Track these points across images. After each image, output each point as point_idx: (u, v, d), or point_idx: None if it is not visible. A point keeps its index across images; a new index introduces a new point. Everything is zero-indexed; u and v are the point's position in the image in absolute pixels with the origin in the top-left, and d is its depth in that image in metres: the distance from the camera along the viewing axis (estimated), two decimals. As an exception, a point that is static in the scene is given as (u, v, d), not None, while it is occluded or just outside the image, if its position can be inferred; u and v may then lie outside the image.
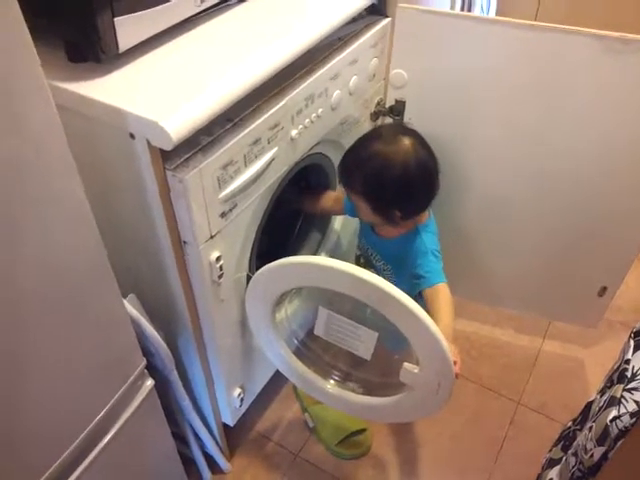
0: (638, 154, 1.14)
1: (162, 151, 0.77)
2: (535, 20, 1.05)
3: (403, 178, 1.03)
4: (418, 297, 1.06)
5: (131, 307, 0.89)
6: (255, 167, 0.91)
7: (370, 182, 1.05)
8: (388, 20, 1.13)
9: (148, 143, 0.75)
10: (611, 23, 1.04)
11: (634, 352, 0.95)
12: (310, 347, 1.22)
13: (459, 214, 1.37)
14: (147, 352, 0.95)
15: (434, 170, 1.07)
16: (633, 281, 1.69)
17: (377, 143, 1.05)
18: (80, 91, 0.78)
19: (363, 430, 1.37)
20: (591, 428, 0.93)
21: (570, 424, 1.15)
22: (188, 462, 1.23)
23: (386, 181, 1.03)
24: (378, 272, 1.22)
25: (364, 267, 1.25)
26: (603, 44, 1.02)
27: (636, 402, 0.85)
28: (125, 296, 0.88)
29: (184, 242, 0.87)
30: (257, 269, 1.01)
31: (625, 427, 0.82)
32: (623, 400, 0.87)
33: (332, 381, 1.16)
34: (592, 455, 0.89)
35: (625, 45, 1.01)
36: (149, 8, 0.81)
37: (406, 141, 1.04)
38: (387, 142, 1.05)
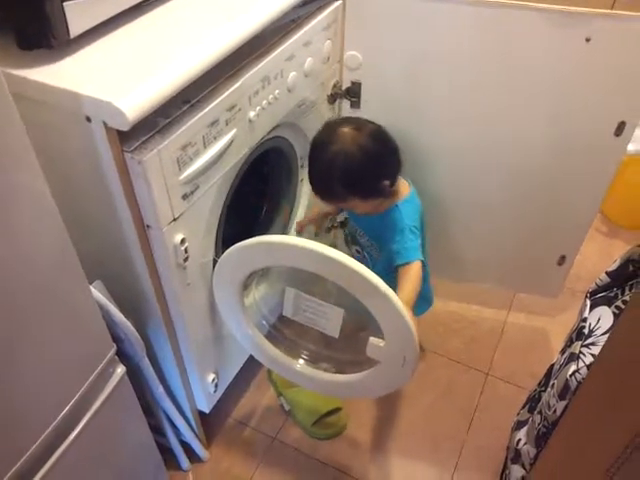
0: (584, 123, 1.18)
1: (120, 134, 0.78)
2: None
3: (367, 154, 1.07)
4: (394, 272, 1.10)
5: (98, 293, 0.89)
6: (215, 148, 0.92)
7: (347, 179, 1.08)
8: (340, 2, 1.15)
9: (105, 125, 0.76)
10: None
11: (590, 310, 0.99)
12: (281, 330, 1.23)
13: (421, 192, 1.40)
14: (117, 338, 0.95)
15: (380, 128, 1.12)
16: (591, 251, 1.75)
17: (325, 148, 1.08)
18: (33, 77, 0.78)
19: (338, 410, 1.39)
20: (553, 385, 0.96)
21: (536, 387, 1.19)
22: (166, 452, 1.24)
23: (358, 168, 1.07)
24: (362, 248, 1.27)
25: (351, 244, 1.32)
26: (545, 17, 1.05)
27: (593, 356, 0.89)
28: (92, 282, 0.89)
29: (147, 226, 0.88)
30: (223, 254, 1.02)
31: (583, 379, 0.86)
32: (581, 355, 0.91)
33: (303, 361, 1.17)
34: (555, 410, 0.93)
35: (567, 17, 1.05)
36: (99, -7, 0.81)
37: (344, 129, 1.09)
38: (332, 141, 1.08)
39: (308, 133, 1.24)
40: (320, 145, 1.10)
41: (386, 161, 1.12)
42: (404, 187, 1.18)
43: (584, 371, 0.86)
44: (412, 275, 1.08)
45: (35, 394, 0.79)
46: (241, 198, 1.13)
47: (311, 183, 1.14)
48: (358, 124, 1.10)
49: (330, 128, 1.11)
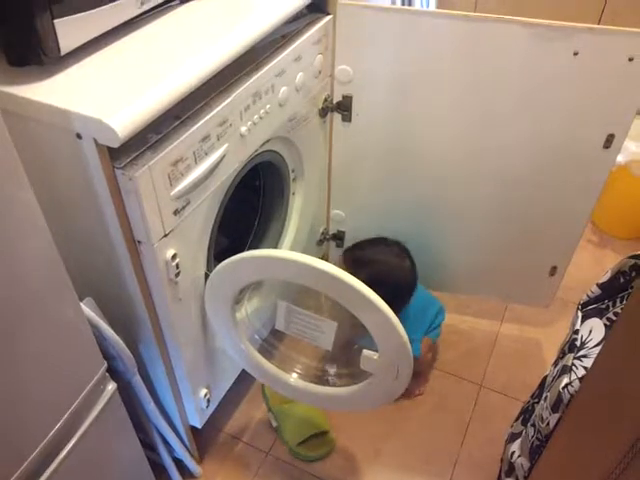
0: (573, 135, 1.19)
1: (111, 150, 0.78)
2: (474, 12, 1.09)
3: (395, 288, 1.31)
4: None
5: (89, 310, 0.89)
6: (206, 164, 0.92)
7: (371, 279, 1.18)
8: (330, 17, 1.16)
9: (95, 142, 0.75)
10: (551, 14, 1.10)
11: (582, 322, 1.00)
12: (274, 344, 1.23)
13: (410, 204, 1.41)
14: (108, 355, 0.94)
15: (413, 291, 1.38)
16: (584, 262, 1.76)
17: (386, 252, 1.36)
18: (24, 94, 0.78)
19: (324, 433, 1.37)
20: (546, 398, 0.96)
21: (529, 399, 1.19)
22: (158, 468, 1.22)
23: (382, 284, 1.17)
24: None
25: None
26: (532, 32, 1.07)
27: (585, 368, 0.89)
28: (82, 299, 0.88)
29: (138, 241, 0.88)
30: (216, 268, 1.02)
31: (576, 392, 0.86)
32: (574, 367, 0.91)
33: (296, 375, 1.17)
34: (548, 423, 0.93)
35: (553, 32, 1.07)
36: (89, 10, 0.81)
37: (407, 263, 1.36)
38: (394, 255, 1.36)
39: (300, 146, 1.25)
40: (388, 248, 1.37)
41: (403, 296, 1.36)
42: None
43: (576, 384, 0.86)
44: None
45: (24, 413, 0.78)
46: (233, 211, 1.13)
47: (355, 251, 1.39)
48: (413, 267, 1.37)
49: (400, 249, 1.37)
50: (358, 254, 1.38)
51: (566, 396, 0.87)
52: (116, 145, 0.74)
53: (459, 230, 1.44)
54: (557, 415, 0.89)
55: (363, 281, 1.25)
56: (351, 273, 1.27)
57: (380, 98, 1.25)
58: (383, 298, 1.22)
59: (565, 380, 0.89)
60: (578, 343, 0.96)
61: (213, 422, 1.35)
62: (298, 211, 1.37)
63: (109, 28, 0.87)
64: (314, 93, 1.21)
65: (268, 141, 1.12)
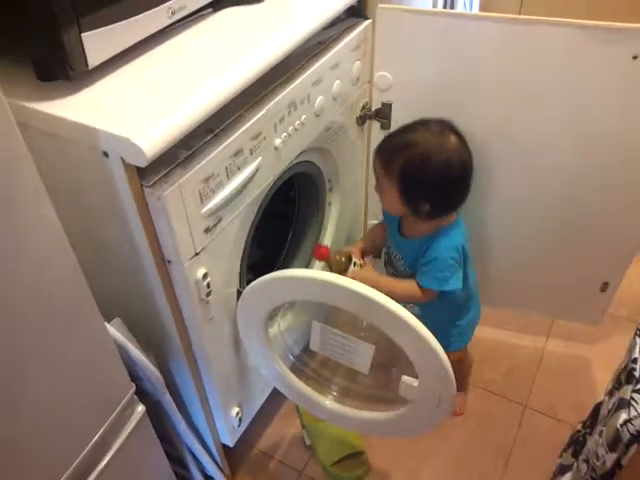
0: (629, 146, 1.12)
1: (139, 168, 0.74)
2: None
3: (444, 174, 1.02)
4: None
5: (116, 331, 0.86)
6: (238, 179, 0.88)
7: (410, 169, 1.02)
8: (369, 22, 1.10)
9: (122, 161, 0.72)
10: (594, 17, 1.02)
11: (641, 350, 0.92)
12: (307, 363, 1.18)
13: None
14: (136, 377, 0.91)
15: (471, 173, 1.07)
16: (635, 275, 1.65)
17: (424, 132, 1.04)
18: (51, 110, 0.75)
19: (360, 453, 1.32)
20: (601, 433, 0.89)
21: (580, 427, 1.11)
22: (189, 486, 1.20)
23: (426, 172, 1.02)
24: (397, 271, 1.21)
25: (388, 266, 1.25)
26: (588, 34, 0.99)
27: (647, 403, 0.82)
28: (110, 320, 0.85)
29: (168, 261, 0.84)
30: (248, 283, 0.97)
31: (637, 431, 0.79)
32: (633, 402, 0.83)
33: (331, 397, 1.12)
34: (604, 462, 0.85)
35: (611, 34, 0.99)
36: (118, 21, 0.78)
37: (453, 138, 1.03)
38: (435, 134, 1.03)
39: (336, 156, 1.20)
40: (424, 128, 1.05)
41: (448, 193, 1.08)
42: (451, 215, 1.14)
43: (638, 422, 0.79)
44: (411, 291, 1.10)
45: (51, 438, 0.75)
46: (267, 223, 1.09)
47: (385, 139, 1.10)
48: (464, 147, 1.05)
49: (444, 125, 1.05)
50: (387, 144, 1.08)
51: (625, 435, 0.80)
52: (143, 165, 0.71)
53: (506, 241, 1.37)
54: (614, 455, 0.82)
55: (397, 175, 1.03)
56: (384, 168, 1.06)
57: (421, 105, 1.18)
58: (429, 193, 1.04)
59: (623, 416, 0.82)
60: (637, 374, 0.88)
61: (245, 438, 1.31)
62: (334, 221, 1.33)
63: (139, 39, 0.84)
64: (352, 101, 1.16)
65: (303, 152, 1.07)
